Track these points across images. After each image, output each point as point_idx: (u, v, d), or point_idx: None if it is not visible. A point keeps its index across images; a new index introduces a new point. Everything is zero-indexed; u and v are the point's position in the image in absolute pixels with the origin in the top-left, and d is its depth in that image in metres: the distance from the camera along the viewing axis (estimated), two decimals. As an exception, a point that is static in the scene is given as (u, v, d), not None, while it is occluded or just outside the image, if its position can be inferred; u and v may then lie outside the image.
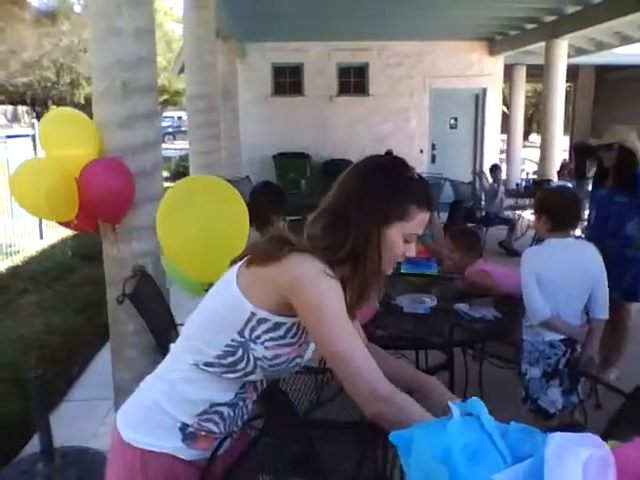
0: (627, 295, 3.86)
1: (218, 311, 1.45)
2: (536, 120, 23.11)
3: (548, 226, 2.76)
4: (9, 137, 7.84)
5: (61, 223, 3.27)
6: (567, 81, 10.09)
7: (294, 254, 1.35)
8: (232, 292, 1.40)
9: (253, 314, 1.38)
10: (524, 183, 8.48)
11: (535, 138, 24.36)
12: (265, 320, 1.39)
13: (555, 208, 2.77)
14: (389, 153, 1.56)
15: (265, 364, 1.43)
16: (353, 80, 12.60)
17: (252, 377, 1.46)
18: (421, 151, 12.59)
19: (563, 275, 2.72)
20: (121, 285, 3.12)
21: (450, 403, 1.12)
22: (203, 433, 1.51)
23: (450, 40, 11.94)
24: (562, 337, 2.75)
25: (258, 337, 1.39)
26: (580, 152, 14.87)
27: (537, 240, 5.28)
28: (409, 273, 4.18)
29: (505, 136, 14.62)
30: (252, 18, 9.27)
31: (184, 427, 1.49)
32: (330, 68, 12.38)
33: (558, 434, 1.04)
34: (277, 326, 1.40)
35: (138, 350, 3.37)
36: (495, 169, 8.34)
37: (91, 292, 5.61)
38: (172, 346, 1.57)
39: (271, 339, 1.40)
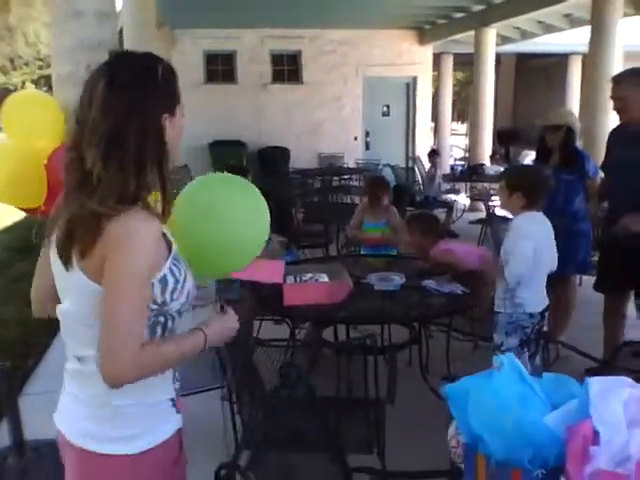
0: (580, 268, 4.13)
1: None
2: (457, 109, 23.89)
3: (522, 202, 2.89)
4: None
5: (25, 210, 3.17)
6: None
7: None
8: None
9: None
10: (459, 168, 8.80)
11: (457, 126, 25.13)
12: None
13: (530, 184, 2.91)
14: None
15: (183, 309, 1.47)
16: (287, 68, 12.61)
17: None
18: (355, 138, 12.78)
19: (541, 245, 2.88)
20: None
21: (499, 358, 1.22)
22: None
23: (382, 29, 12.13)
24: (541, 308, 2.93)
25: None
26: (503, 138, 15.56)
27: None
28: (370, 254, 4.31)
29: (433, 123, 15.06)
30: (184, 5, 9.11)
31: (172, 400, 1.52)
32: (263, 55, 12.34)
33: (597, 378, 1.15)
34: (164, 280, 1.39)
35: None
36: (433, 154, 8.60)
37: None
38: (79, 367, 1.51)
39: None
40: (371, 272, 3.47)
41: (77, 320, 1.44)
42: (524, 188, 2.90)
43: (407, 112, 13.11)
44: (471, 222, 8.89)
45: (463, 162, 13.81)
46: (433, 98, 13.82)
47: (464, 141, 20.59)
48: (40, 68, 25.54)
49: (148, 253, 1.33)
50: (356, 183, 10.29)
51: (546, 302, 2.97)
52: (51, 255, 1.47)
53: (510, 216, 3.16)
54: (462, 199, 9.52)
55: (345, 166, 11.62)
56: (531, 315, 2.88)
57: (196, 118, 11.86)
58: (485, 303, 3.16)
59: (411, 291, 3.28)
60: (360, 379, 2.46)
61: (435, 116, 14.51)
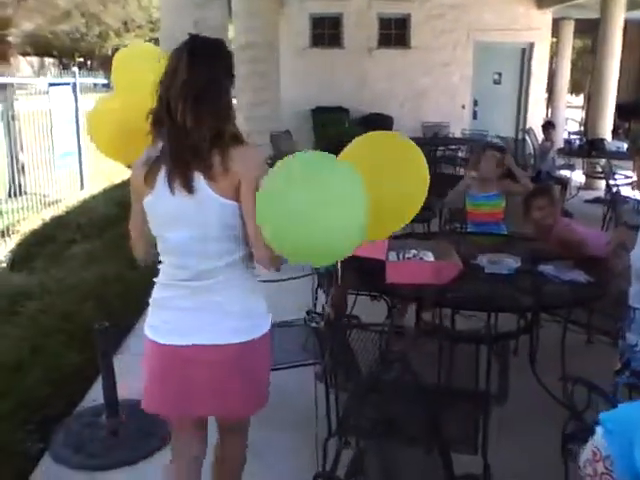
0: None
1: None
2: (573, 79, 22.35)
3: None
4: (51, 85, 7.66)
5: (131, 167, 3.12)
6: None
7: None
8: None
9: None
10: (577, 142, 8.16)
11: (571, 98, 23.59)
12: None
13: None
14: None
15: None
16: (394, 32, 12.18)
17: None
18: (463, 107, 12.21)
19: None
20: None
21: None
22: None
23: (497, -9, 11.45)
24: None
25: None
26: (625, 112, 14.43)
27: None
28: (478, 233, 4.01)
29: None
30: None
31: None
32: (371, 19, 11.96)
33: None
34: None
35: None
36: (548, 126, 8.01)
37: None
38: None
39: None
40: (481, 252, 3.19)
41: (204, 240, 1.78)
42: None
43: (520, 81, 12.35)
44: (587, 201, 8.30)
45: (578, 136, 12.93)
46: (549, 67, 12.95)
47: (580, 114, 19.38)
48: (152, 31, 26.28)
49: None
50: (462, 154, 9.83)
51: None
52: (152, 197, 1.80)
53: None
54: (577, 176, 8.86)
55: (451, 136, 11.14)
56: (675, 315, 2.52)
57: (300, 83, 11.77)
58: (613, 296, 2.82)
59: (527, 276, 2.98)
60: (463, 369, 2.24)
61: (550, 86, 13.63)
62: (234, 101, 1.91)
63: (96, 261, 5.08)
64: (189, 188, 1.71)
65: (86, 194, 8.02)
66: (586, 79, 21.09)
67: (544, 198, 3.35)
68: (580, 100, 20.63)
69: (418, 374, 2.14)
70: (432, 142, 9.72)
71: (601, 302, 2.94)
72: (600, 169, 7.91)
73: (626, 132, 9.06)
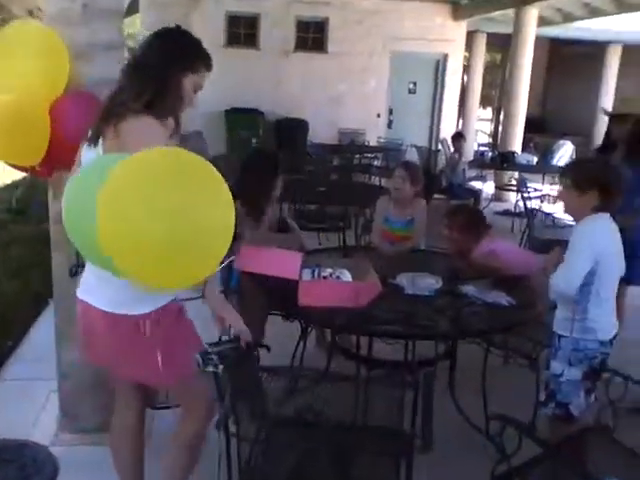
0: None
1: None
2: (481, 93, 22.86)
3: (596, 203, 2.37)
4: None
5: (16, 167, 2.67)
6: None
7: None
8: None
9: None
10: (489, 154, 8.22)
11: (479, 111, 24.19)
12: None
13: (608, 181, 2.40)
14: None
15: None
16: (311, 35, 11.98)
17: None
18: (378, 115, 12.17)
19: (612, 255, 2.39)
20: (70, 251, 2.58)
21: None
22: None
23: (414, 0, 11.47)
24: (613, 334, 2.43)
25: None
26: (530, 126, 14.89)
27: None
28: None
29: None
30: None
31: None
32: (288, 21, 11.71)
33: None
34: None
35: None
36: (459, 137, 8.01)
37: (26, 253, 4.99)
38: None
39: None
40: (400, 271, 2.97)
41: None
42: (601, 185, 2.38)
43: (434, 91, 12.47)
44: (497, 212, 8.39)
45: (487, 148, 13.18)
46: (461, 79, 13.16)
47: (488, 126, 19.95)
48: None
49: None
50: (377, 163, 9.75)
51: (617, 327, 2.47)
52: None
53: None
54: (488, 187, 8.95)
55: (366, 144, 11.06)
56: (602, 343, 2.38)
57: (214, 83, 11.14)
58: (538, 319, 2.67)
59: (448, 298, 2.78)
60: (381, 406, 1.98)
61: (461, 98, 13.85)
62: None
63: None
64: (93, 140, 1.94)
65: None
66: (494, 93, 21.80)
67: (459, 221, 3.18)
68: (488, 113, 21.21)
69: (328, 411, 1.88)
70: (348, 150, 9.57)
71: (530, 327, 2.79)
72: (512, 181, 8.00)
73: (535, 145, 9.25)
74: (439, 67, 12.35)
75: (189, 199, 1.41)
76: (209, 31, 11.32)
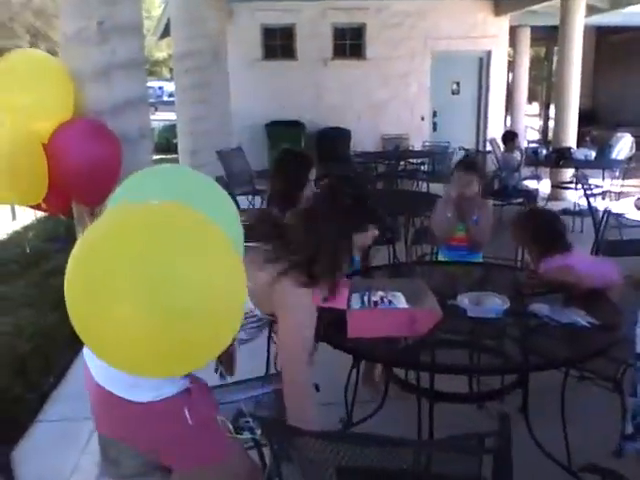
0: None
1: None
2: (528, 88, 22.16)
3: None
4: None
5: (29, 206, 2.51)
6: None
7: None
8: None
9: None
10: (543, 152, 7.81)
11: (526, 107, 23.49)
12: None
13: None
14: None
15: None
16: (349, 42, 11.74)
17: None
18: (422, 118, 11.82)
19: None
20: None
21: None
22: None
23: (453, -2, 11.13)
24: None
25: None
26: (582, 119, 14.28)
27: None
28: (451, 261, 3.49)
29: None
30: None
31: None
32: (324, 29, 11.50)
33: None
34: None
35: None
36: (512, 136, 7.59)
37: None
38: None
39: None
40: (459, 289, 2.66)
41: None
42: None
43: (479, 90, 12.03)
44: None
45: (537, 145, 12.65)
46: (506, 76, 12.68)
47: (536, 122, 19.28)
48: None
49: None
50: (424, 167, 9.40)
51: None
52: None
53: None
54: (543, 187, 8.49)
55: (411, 149, 10.71)
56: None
57: (252, 97, 11.19)
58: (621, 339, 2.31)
59: (518, 320, 2.45)
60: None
61: (508, 95, 13.37)
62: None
63: (14, 307, 4.40)
64: None
65: (18, 225, 7.27)
66: (540, 87, 21.12)
67: (530, 229, 2.83)
68: (535, 108, 20.53)
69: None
70: (393, 156, 9.25)
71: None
72: (570, 179, 7.54)
73: (592, 139, 8.77)
74: (483, 65, 11.91)
75: (182, 267, 1.11)
76: (245, 45, 11.25)
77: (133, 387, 1.60)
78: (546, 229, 2.84)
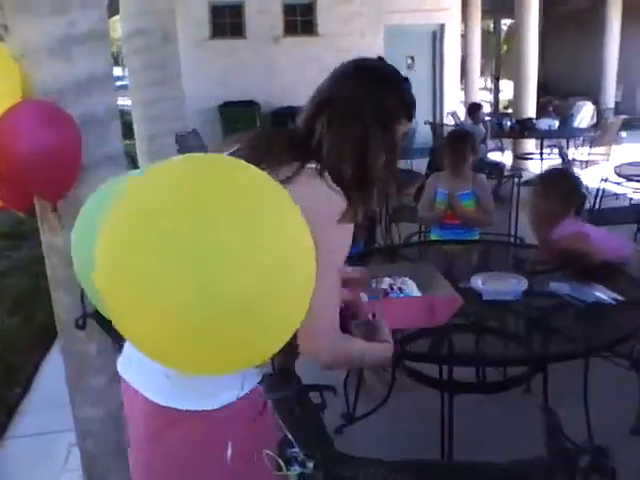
0: None
1: None
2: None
3: None
4: None
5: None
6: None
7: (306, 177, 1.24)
8: None
9: None
10: (508, 123, 7.73)
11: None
12: None
13: None
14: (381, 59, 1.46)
15: None
16: (300, 19, 11.41)
17: None
18: (378, 95, 11.61)
19: None
20: (74, 293, 2.08)
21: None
22: None
23: (405, -30, 10.92)
24: None
25: None
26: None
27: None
28: (446, 240, 3.30)
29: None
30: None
31: None
32: (274, 6, 11.13)
33: None
34: None
35: (106, 377, 2.36)
36: (478, 108, 7.47)
37: (24, 282, 4.50)
38: None
39: None
40: (469, 270, 2.47)
41: None
42: None
43: (434, 64, 11.91)
44: (521, 184, 7.84)
45: (490, 118, 12.59)
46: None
47: (487, 96, 19.37)
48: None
49: None
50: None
51: None
52: None
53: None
54: (507, 159, 8.43)
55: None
56: None
57: (203, 78, 10.77)
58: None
59: (537, 301, 2.28)
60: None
61: (461, 70, 13.27)
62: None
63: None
64: None
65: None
66: (489, 61, 21.20)
67: (566, 185, 2.63)
68: (482, 82, 20.64)
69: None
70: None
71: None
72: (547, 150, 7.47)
73: (555, 109, 8.75)
74: (436, 39, 11.79)
75: (239, 237, 0.87)
76: (193, 24, 10.79)
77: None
78: (577, 190, 2.67)
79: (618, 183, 4.25)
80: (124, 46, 5.79)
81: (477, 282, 2.33)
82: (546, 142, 7.67)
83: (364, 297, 2.13)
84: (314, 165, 1.25)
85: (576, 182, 2.71)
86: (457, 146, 3.36)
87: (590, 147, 7.08)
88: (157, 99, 5.60)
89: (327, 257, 1.17)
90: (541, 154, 7.56)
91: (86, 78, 2.27)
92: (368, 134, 1.30)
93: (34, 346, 3.72)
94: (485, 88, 21.05)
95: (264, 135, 1.47)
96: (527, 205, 2.73)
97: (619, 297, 2.21)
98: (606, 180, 4.18)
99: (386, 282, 2.27)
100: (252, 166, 1.03)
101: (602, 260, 2.47)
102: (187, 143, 6.95)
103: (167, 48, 6.88)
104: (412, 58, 11.84)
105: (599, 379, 2.58)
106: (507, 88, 17.60)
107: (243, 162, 1.03)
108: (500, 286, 2.29)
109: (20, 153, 2.02)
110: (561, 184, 2.65)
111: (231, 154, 1.28)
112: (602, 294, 2.23)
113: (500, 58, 19.67)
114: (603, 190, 4.31)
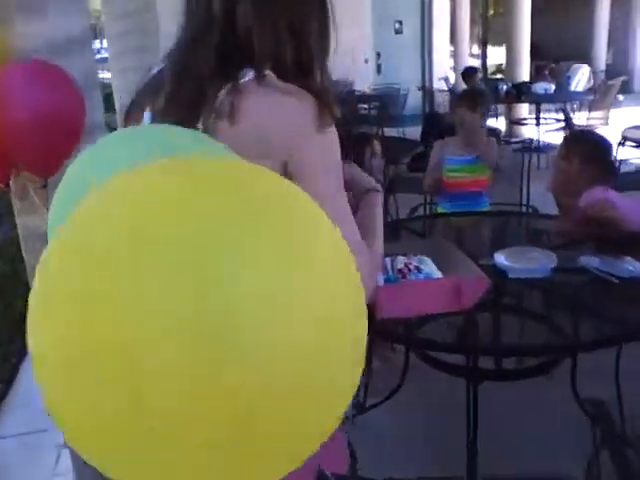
0: None
1: None
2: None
3: None
4: None
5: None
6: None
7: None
8: None
9: None
10: (504, 87, 7.47)
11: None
12: None
13: None
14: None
15: None
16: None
17: None
18: (366, 61, 11.29)
19: None
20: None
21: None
22: None
23: None
24: None
25: None
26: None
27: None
28: (453, 213, 3.09)
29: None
30: None
31: None
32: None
33: None
34: None
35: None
36: (472, 72, 7.22)
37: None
38: None
39: None
40: (491, 246, 2.28)
41: None
42: None
43: (422, 28, 11.58)
44: (515, 150, 7.64)
45: (497, 81, 12.24)
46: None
47: (476, 62, 19.04)
48: None
49: None
50: (374, 112, 8.95)
51: None
52: None
53: None
54: (501, 124, 8.20)
55: (357, 93, 10.21)
56: None
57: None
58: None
59: (570, 277, 2.08)
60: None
61: (451, 35, 12.96)
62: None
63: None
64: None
65: None
66: (476, 27, 20.80)
67: (575, 152, 2.42)
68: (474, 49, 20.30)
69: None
70: (347, 101, 8.74)
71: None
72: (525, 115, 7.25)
73: (551, 72, 8.51)
74: (425, 2, 11.44)
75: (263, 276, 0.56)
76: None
77: None
78: (608, 153, 2.47)
79: (637, 146, 4.04)
80: (103, 11, 5.45)
81: (501, 259, 2.13)
82: (543, 107, 7.45)
83: (380, 282, 1.92)
84: (251, 73, 0.92)
85: (604, 145, 2.51)
86: (475, 103, 3.13)
87: (589, 111, 6.88)
88: (138, 67, 5.28)
89: (330, 178, 0.94)
90: (537, 119, 7.34)
91: (63, 38, 2.03)
92: None
93: (14, 335, 3.50)
94: (471, 54, 20.71)
95: (178, 74, 0.98)
96: (551, 170, 2.52)
97: (656, 272, 2.02)
98: (624, 144, 3.97)
99: (401, 261, 2.07)
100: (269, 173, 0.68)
101: (631, 230, 2.28)
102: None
103: (148, 14, 6.54)
104: (400, 22, 11.51)
105: (630, 361, 2.41)
106: (494, 54, 17.30)
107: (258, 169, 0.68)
108: (527, 263, 2.09)
109: (13, 118, 1.77)
110: (586, 146, 2.44)
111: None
112: (634, 267, 2.05)
113: (488, 23, 19.31)
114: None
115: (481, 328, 1.97)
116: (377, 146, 2.90)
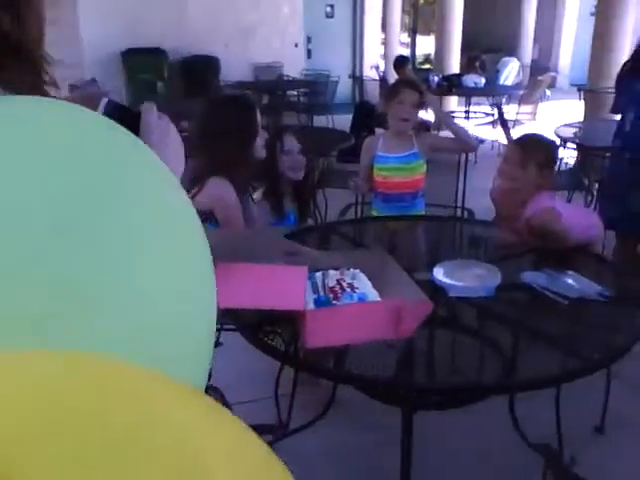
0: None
1: None
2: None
3: None
4: None
5: None
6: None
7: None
8: None
9: None
10: (435, 79, 7.35)
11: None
12: None
13: None
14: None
15: None
16: (212, -41, 10.50)
17: None
18: (296, 45, 10.97)
19: None
20: None
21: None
22: None
23: None
24: None
25: None
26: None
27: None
28: (387, 216, 2.87)
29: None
30: None
31: None
32: (184, -58, 10.18)
33: None
34: None
35: None
36: (404, 62, 7.06)
37: None
38: None
39: None
40: (428, 257, 2.08)
41: None
42: None
43: (354, 13, 11.36)
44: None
45: (428, 73, 12.21)
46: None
47: (405, 51, 19.05)
48: None
49: None
50: (302, 99, 8.70)
51: None
52: None
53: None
54: (431, 116, 8.10)
55: (286, 78, 9.91)
56: None
57: (104, 21, 9.71)
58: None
59: (514, 296, 1.91)
60: None
61: (382, 24, 12.80)
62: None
63: None
64: None
65: None
66: (405, 16, 20.80)
67: (532, 158, 2.24)
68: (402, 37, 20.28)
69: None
70: (275, 87, 8.44)
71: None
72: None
73: (482, 65, 8.49)
74: (356, -15, 11.23)
75: None
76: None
77: None
78: (555, 159, 2.31)
79: (573, 146, 3.95)
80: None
81: (440, 274, 1.93)
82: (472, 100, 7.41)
83: (309, 304, 1.69)
84: None
85: (556, 149, 2.36)
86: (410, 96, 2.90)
87: (519, 105, 6.87)
88: (49, 42, 4.80)
89: None
90: (467, 112, 7.29)
91: None
92: None
93: None
94: (401, 43, 20.71)
95: None
96: (497, 175, 2.34)
97: (605, 291, 1.87)
98: (564, 146, 3.87)
99: (332, 276, 1.85)
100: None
101: (574, 242, 2.15)
102: (82, 91, 6.16)
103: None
104: (332, 6, 11.25)
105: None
106: (423, 43, 17.35)
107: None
108: (470, 281, 1.89)
109: None
110: (543, 151, 2.28)
111: None
112: (588, 288, 1.89)
113: (418, 11, 19.33)
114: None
115: (417, 351, 1.76)
116: (292, 141, 2.63)
